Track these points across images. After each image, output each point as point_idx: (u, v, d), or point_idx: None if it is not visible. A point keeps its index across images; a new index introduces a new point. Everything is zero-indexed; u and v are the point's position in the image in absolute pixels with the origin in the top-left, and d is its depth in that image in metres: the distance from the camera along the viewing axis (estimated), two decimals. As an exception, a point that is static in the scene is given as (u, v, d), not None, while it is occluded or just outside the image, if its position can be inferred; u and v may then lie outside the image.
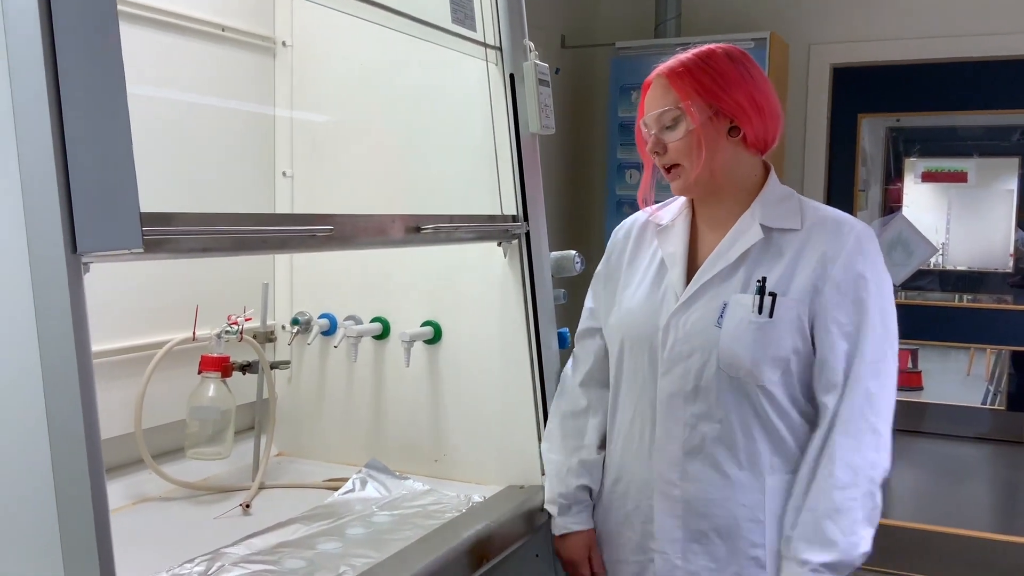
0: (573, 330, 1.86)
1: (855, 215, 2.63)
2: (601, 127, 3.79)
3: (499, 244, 1.91)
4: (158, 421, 1.87)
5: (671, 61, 1.56)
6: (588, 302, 1.78)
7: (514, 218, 1.92)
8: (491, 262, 1.94)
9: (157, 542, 1.64)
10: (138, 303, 1.86)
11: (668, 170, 1.56)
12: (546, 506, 1.76)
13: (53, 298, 0.92)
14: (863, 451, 1.45)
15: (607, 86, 3.64)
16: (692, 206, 1.64)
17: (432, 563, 1.50)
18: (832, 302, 1.47)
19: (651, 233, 1.67)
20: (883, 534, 1.52)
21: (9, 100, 0.92)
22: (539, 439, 1.90)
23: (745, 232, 1.54)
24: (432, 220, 1.61)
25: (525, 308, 1.91)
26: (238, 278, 2.05)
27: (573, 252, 2.02)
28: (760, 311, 1.47)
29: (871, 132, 3.97)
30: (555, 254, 2.02)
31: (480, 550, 1.63)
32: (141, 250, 0.95)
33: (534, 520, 1.80)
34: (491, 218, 1.89)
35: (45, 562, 0.94)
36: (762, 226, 1.52)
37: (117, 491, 1.81)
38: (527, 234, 1.92)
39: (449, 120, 2.00)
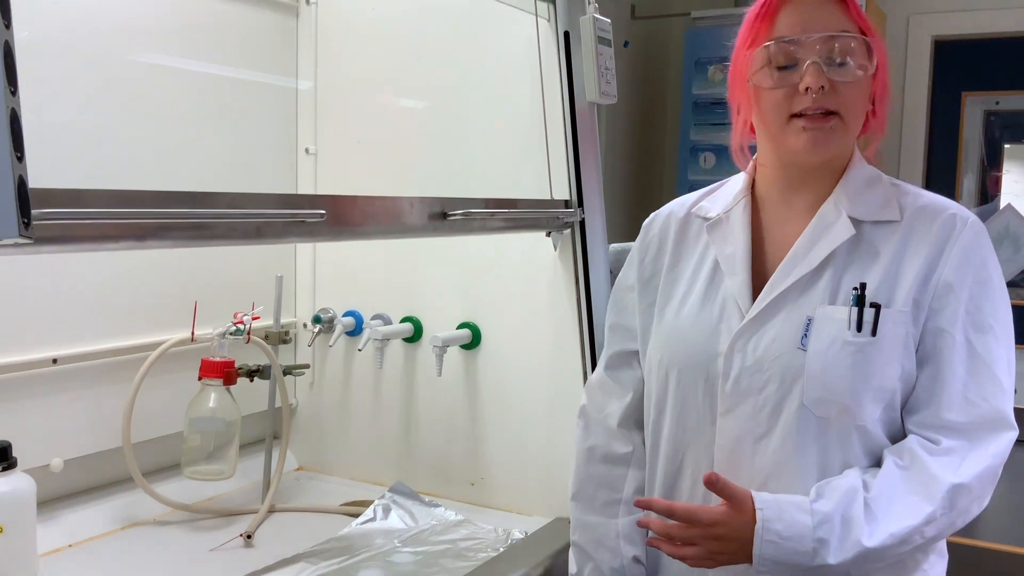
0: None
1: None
2: (674, 106, 3.47)
3: (548, 234, 1.62)
4: (152, 434, 1.65)
5: None
6: (613, 317, 1.36)
7: (566, 203, 1.62)
8: (539, 255, 1.66)
9: (142, 577, 1.41)
10: (132, 297, 1.63)
11: (818, 117, 1.14)
12: None
13: None
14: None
15: (680, 61, 3.32)
16: (752, 192, 1.26)
17: (454, 624, 1.24)
18: (945, 311, 1.13)
19: (696, 229, 1.29)
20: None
21: None
22: (592, 465, 1.61)
23: (830, 227, 1.17)
24: (461, 204, 1.32)
25: (578, 309, 1.63)
26: (252, 269, 1.80)
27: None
28: (859, 328, 1.12)
29: (969, 115, 3.59)
30: (615, 246, 1.72)
31: (516, 604, 1.36)
32: (25, 240, 0.68)
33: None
34: (538, 203, 1.60)
35: None
36: (851, 219, 1.17)
37: (104, 513, 1.59)
38: (582, 222, 1.63)
39: (493, 88, 1.72)
